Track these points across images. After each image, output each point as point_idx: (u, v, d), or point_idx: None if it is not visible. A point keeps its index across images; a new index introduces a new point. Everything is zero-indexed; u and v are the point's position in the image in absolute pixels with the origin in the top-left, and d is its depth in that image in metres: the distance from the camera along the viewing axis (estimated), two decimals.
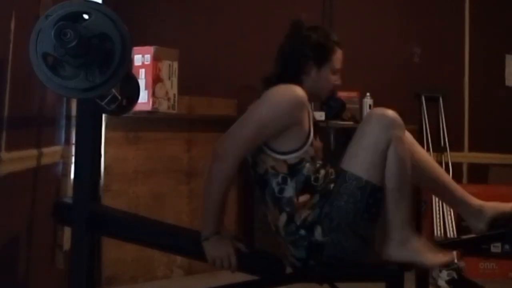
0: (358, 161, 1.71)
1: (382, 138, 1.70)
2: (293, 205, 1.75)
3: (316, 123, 1.88)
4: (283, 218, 1.76)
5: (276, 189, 1.77)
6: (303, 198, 1.75)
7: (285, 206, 1.76)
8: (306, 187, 1.76)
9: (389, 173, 1.71)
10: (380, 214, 1.75)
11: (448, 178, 2.05)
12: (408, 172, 1.74)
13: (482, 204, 1.99)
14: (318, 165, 1.80)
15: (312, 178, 1.77)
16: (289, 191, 1.75)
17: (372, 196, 1.71)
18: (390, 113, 1.75)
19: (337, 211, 1.72)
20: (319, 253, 1.73)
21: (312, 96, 1.89)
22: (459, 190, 2.01)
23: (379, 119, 1.73)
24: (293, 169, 1.75)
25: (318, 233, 1.73)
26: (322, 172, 1.79)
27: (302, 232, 1.74)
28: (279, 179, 1.76)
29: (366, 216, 1.72)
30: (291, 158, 1.75)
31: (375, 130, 1.71)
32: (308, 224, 1.74)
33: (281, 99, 1.76)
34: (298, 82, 1.84)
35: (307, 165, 1.76)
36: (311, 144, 1.78)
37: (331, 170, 1.82)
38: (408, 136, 1.87)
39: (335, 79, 1.99)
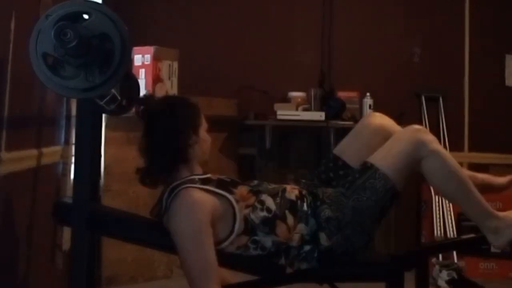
0: (389, 164, 1.76)
1: (414, 152, 1.75)
2: (280, 243, 1.74)
3: (222, 181, 1.79)
4: (282, 260, 1.75)
5: (259, 253, 1.74)
6: (280, 228, 1.74)
7: (278, 251, 1.74)
8: (271, 221, 1.74)
9: (441, 181, 1.78)
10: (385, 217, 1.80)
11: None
12: (458, 170, 1.79)
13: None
14: (256, 203, 1.76)
15: (266, 214, 1.75)
16: (267, 241, 1.73)
17: (392, 199, 1.76)
18: (422, 130, 1.82)
19: (354, 206, 1.74)
20: (331, 256, 1.75)
21: (200, 162, 1.83)
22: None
23: (414, 134, 1.78)
24: (249, 230, 1.72)
25: (323, 239, 1.74)
26: (267, 200, 1.77)
27: (307, 247, 1.75)
28: (251, 245, 1.73)
29: (380, 216, 1.77)
30: (239, 229, 1.71)
31: (409, 142, 1.77)
32: (309, 238, 1.75)
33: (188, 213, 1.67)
34: (185, 161, 1.78)
35: (251, 215, 1.73)
36: (237, 202, 1.74)
37: (259, 187, 1.83)
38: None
39: (207, 135, 1.87)
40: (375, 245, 1.85)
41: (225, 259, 1.70)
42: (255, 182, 1.88)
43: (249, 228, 1.73)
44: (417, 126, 1.84)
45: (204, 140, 1.84)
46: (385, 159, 1.77)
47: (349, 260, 1.78)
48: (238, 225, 1.71)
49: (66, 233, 2.31)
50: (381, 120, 1.96)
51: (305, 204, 1.80)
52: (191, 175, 1.76)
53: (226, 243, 1.71)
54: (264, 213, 1.74)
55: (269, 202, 1.78)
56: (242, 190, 1.79)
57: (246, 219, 1.73)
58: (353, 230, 1.74)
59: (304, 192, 1.84)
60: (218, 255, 1.66)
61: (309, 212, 1.78)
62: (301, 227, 1.76)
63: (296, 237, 1.75)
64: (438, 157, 1.76)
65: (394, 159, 1.76)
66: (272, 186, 1.86)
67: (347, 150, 1.96)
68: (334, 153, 1.98)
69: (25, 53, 1.24)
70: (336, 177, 1.91)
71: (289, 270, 1.75)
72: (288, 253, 1.74)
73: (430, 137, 1.78)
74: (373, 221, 1.76)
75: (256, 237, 1.73)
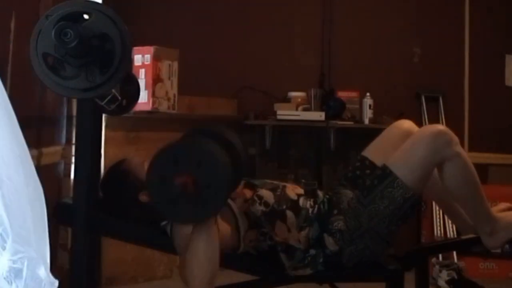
0: (409, 172, 1.72)
1: (436, 157, 1.72)
2: (279, 241, 1.73)
3: None
4: (284, 258, 1.74)
5: (269, 243, 1.73)
6: (278, 228, 1.74)
7: (278, 248, 1.73)
8: (269, 217, 1.75)
9: (458, 184, 1.76)
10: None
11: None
12: (475, 174, 1.77)
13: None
14: (254, 196, 1.78)
15: (263, 208, 1.75)
16: (266, 239, 1.73)
17: (412, 207, 1.74)
18: (447, 133, 1.75)
19: (371, 215, 1.72)
20: (337, 261, 1.74)
21: None
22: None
23: (436, 138, 1.73)
24: (254, 223, 1.73)
25: (330, 243, 1.74)
26: (265, 194, 1.78)
27: (313, 251, 1.74)
28: (260, 238, 1.73)
29: (400, 223, 1.76)
30: (244, 224, 1.72)
31: (432, 148, 1.71)
32: (314, 241, 1.74)
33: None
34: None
35: (251, 208, 1.74)
36: (233, 199, 1.74)
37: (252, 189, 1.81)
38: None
39: None
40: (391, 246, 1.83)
41: (243, 261, 1.72)
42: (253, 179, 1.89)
43: (254, 222, 1.73)
44: (439, 127, 1.80)
45: None
46: (405, 165, 1.73)
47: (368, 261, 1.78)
48: (242, 222, 1.71)
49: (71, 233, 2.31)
50: (409, 125, 1.95)
51: (308, 204, 1.79)
52: None
53: (242, 245, 1.70)
54: (262, 208, 1.75)
55: (267, 196, 1.78)
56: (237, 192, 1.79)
57: (247, 214, 1.73)
58: (371, 239, 1.73)
59: (308, 193, 1.84)
60: (237, 259, 1.69)
61: (314, 215, 1.77)
62: (306, 230, 1.75)
63: (303, 240, 1.74)
64: (460, 160, 1.73)
65: (415, 165, 1.72)
66: (270, 181, 1.86)
67: (373, 150, 1.96)
68: (362, 154, 1.98)
69: (25, 53, 1.24)
70: (362, 175, 1.89)
71: (291, 273, 1.74)
72: (293, 255, 1.73)
73: (453, 140, 1.73)
74: (391, 228, 1.74)
75: (263, 229, 1.73)
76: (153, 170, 1.39)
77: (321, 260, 1.73)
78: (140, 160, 1.78)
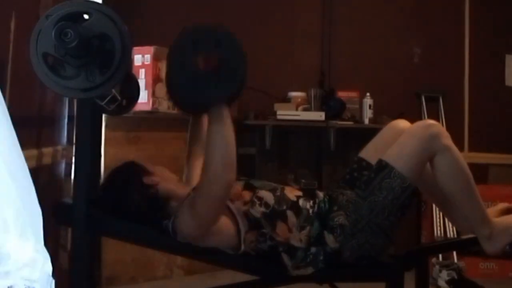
0: (404, 162, 1.75)
1: (427, 148, 1.75)
2: (280, 241, 1.73)
3: None
4: (285, 258, 1.73)
5: (270, 243, 1.72)
6: (280, 228, 1.74)
7: (279, 248, 1.73)
8: (270, 218, 1.74)
9: (449, 178, 1.77)
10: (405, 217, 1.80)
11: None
12: (467, 171, 1.79)
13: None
14: (254, 198, 1.78)
15: (264, 209, 1.75)
16: (266, 240, 1.72)
17: (410, 198, 1.75)
18: (436, 125, 1.81)
19: (370, 207, 1.73)
20: (338, 258, 1.74)
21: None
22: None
23: (427, 130, 1.77)
24: (254, 225, 1.72)
25: (330, 241, 1.74)
26: (265, 195, 1.78)
27: (313, 249, 1.74)
28: (260, 238, 1.72)
29: (400, 215, 1.76)
30: (244, 226, 1.71)
31: (422, 138, 1.76)
32: (314, 240, 1.74)
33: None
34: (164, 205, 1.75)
35: (251, 210, 1.73)
36: (232, 202, 1.73)
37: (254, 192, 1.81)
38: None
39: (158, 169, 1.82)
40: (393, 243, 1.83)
41: (243, 261, 1.72)
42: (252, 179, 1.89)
43: (253, 223, 1.72)
44: (430, 121, 1.85)
45: (160, 178, 1.76)
46: (399, 157, 1.76)
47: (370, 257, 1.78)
48: (242, 223, 1.71)
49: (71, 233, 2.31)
50: (404, 125, 1.97)
51: (308, 205, 1.79)
52: (181, 195, 1.75)
53: (242, 246, 1.70)
54: (262, 209, 1.75)
55: (267, 197, 1.78)
56: (237, 187, 1.79)
57: (247, 215, 1.73)
58: (372, 232, 1.73)
59: (307, 194, 1.84)
60: (239, 260, 1.69)
61: (314, 214, 1.78)
62: (307, 229, 1.75)
63: (304, 238, 1.74)
64: (450, 153, 1.76)
65: (408, 156, 1.76)
66: (268, 183, 1.87)
67: (370, 151, 1.97)
68: (359, 155, 2.00)
69: (25, 53, 1.24)
70: (360, 177, 1.91)
71: (293, 273, 1.74)
72: (295, 255, 1.73)
73: (444, 133, 1.78)
74: (391, 221, 1.75)
75: (263, 230, 1.73)
76: (173, 54, 1.44)
77: (321, 258, 1.73)
78: (150, 167, 1.79)
